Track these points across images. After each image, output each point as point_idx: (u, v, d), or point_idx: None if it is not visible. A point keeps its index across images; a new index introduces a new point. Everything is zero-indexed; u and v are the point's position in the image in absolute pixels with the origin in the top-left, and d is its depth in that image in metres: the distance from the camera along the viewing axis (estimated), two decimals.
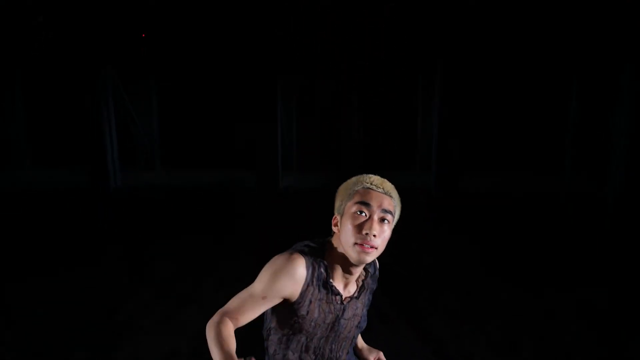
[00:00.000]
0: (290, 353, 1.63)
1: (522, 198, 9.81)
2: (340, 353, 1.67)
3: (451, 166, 10.35)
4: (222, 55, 10.95)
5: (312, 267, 1.52)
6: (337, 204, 1.56)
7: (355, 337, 1.72)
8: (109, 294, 5.02)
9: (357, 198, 1.49)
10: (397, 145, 13.42)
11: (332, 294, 1.54)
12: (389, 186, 1.55)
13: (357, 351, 1.88)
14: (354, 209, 1.48)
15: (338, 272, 1.54)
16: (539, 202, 9.44)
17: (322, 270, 1.52)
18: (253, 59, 10.18)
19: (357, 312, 1.63)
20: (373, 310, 1.84)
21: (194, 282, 5.30)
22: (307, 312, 1.53)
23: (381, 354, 1.86)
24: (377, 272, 1.75)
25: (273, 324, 1.66)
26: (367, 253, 1.44)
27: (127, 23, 10.43)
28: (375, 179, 1.55)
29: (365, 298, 1.65)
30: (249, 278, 5.31)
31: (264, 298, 1.52)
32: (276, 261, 1.52)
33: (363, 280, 1.62)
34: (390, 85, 12.80)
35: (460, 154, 10.41)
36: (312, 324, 1.55)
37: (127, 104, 12.06)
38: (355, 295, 1.59)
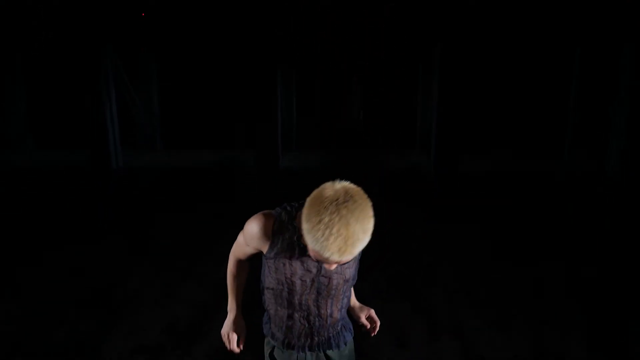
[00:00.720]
0: (279, 308, 1.72)
1: (521, 177, 9.85)
2: (330, 309, 1.70)
3: (451, 146, 10.37)
4: (221, 35, 10.91)
5: (279, 226, 1.59)
6: (303, 223, 1.42)
7: (345, 294, 1.75)
8: (110, 268, 5.12)
9: (315, 255, 1.43)
10: (397, 125, 13.44)
11: (302, 254, 1.59)
12: (349, 252, 1.37)
13: (349, 310, 1.94)
14: (314, 255, 1.46)
15: None
16: (537, 181, 9.48)
17: (291, 230, 1.58)
18: (253, 38, 10.15)
19: (340, 270, 1.64)
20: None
21: (194, 258, 5.39)
22: (279, 269, 1.63)
23: (372, 312, 1.91)
24: None
25: (264, 282, 1.75)
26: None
27: (127, 2, 10.40)
28: (337, 248, 1.35)
29: None
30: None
31: (245, 245, 1.74)
32: (252, 217, 1.67)
33: None
34: (391, 65, 12.77)
35: (460, 134, 10.42)
36: (289, 280, 1.63)
37: (128, 84, 12.07)
38: None
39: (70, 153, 11.96)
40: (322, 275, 1.63)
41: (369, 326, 1.91)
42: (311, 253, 1.45)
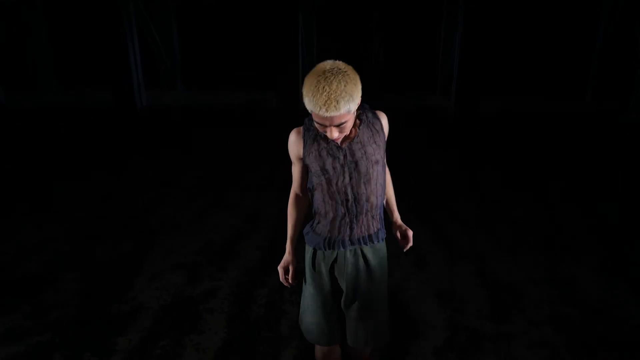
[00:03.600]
0: (323, 203, 1.93)
1: (543, 118, 9.84)
2: (365, 193, 1.88)
3: (472, 90, 10.33)
4: None
5: (305, 129, 1.88)
6: (303, 93, 1.72)
7: (377, 180, 1.90)
8: (143, 197, 5.42)
9: (314, 117, 1.72)
10: (418, 68, 13.32)
11: (326, 142, 1.84)
12: (334, 106, 1.63)
13: (391, 226, 2.12)
14: (315, 120, 1.74)
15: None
16: (560, 123, 9.47)
17: (313, 127, 1.86)
18: None
19: (365, 154, 1.85)
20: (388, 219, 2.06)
21: (221, 189, 5.65)
22: (313, 163, 1.88)
23: (409, 232, 2.08)
24: (374, 117, 1.91)
25: (309, 185, 1.96)
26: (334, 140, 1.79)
27: None
28: (323, 102, 1.62)
29: (367, 139, 1.86)
30: (270, 186, 5.70)
31: (293, 164, 1.99)
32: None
33: (358, 128, 1.86)
34: (413, 7, 12.53)
35: (482, 77, 10.34)
36: (323, 170, 1.87)
37: (150, 25, 12.08)
38: (357, 139, 1.84)
39: (94, 93, 12.18)
40: (350, 160, 1.84)
41: (401, 242, 2.09)
42: (315, 120, 1.73)
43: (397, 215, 2.16)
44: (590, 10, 11.39)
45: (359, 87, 1.70)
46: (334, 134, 1.73)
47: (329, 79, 1.63)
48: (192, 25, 13.30)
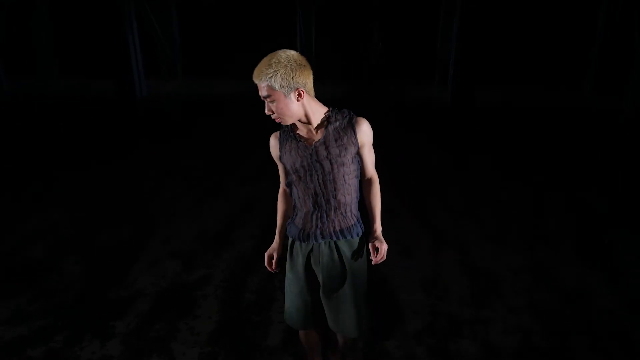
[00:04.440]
0: (297, 198, 2.10)
1: (539, 110, 9.94)
2: (333, 192, 2.02)
3: (469, 80, 10.40)
4: None
5: (282, 131, 2.07)
6: None
7: (346, 181, 2.02)
8: (142, 185, 5.59)
9: None
10: (417, 57, 13.36)
11: (298, 141, 2.01)
12: (257, 74, 1.84)
13: (369, 236, 2.16)
14: None
15: (300, 126, 2.01)
16: (556, 114, 9.57)
17: (289, 128, 2.04)
18: None
19: (329, 154, 1.98)
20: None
21: (219, 178, 5.81)
22: (288, 162, 2.05)
23: (384, 246, 2.05)
24: (348, 122, 2.00)
25: (287, 181, 2.14)
26: (280, 122, 1.97)
27: None
28: (255, 70, 1.84)
29: (332, 141, 1.97)
30: (265, 177, 5.84)
31: (276, 162, 2.17)
32: None
33: (325, 129, 1.99)
34: None
35: (479, 68, 10.42)
36: (294, 168, 2.03)
37: (149, 14, 12.13)
38: (322, 140, 1.98)
39: (95, 81, 12.28)
40: (315, 160, 1.99)
41: (372, 254, 2.06)
42: None
43: (377, 226, 2.13)
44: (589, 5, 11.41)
45: (297, 76, 1.83)
46: (266, 109, 1.92)
47: (272, 54, 1.83)
48: (192, 14, 13.35)
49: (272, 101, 1.87)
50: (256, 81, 1.85)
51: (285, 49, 1.88)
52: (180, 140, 7.72)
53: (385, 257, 2.07)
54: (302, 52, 1.96)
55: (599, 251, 4.05)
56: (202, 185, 5.57)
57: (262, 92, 1.86)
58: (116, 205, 5.03)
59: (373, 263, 2.08)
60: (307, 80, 1.88)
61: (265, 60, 1.83)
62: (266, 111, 1.93)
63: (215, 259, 3.91)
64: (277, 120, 1.95)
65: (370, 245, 2.07)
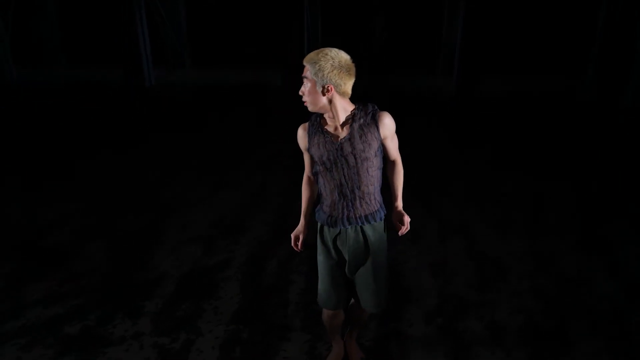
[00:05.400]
0: (323, 187, 2.29)
1: (541, 100, 10.07)
2: (358, 182, 2.20)
3: (473, 70, 10.52)
4: None
5: (310, 124, 2.24)
6: None
7: (369, 172, 2.20)
8: (155, 174, 5.78)
9: None
10: (421, 47, 13.45)
11: (325, 136, 2.19)
12: (307, 57, 2.09)
13: (392, 210, 2.40)
14: None
15: (328, 121, 2.21)
16: (558, 104, 9.71)
17: (317, 121, 2.23)
18: None
19: (354, 150, 2.15)
20: (388, 189, 2.37)
21: (231, 167, 6.00)
22: (315, 154, 2.22)
23: (406, 218, 2.36)
24: (371, 118, 2.18)
25: (314, 171, 2.31)
26: (305, 106, 2.17)
27: None
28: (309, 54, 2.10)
29: (357, 137, 2.15)
30: (276, 166, 6.02)
31: (303, 152, 2.35)
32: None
33: (350, 126, 2.17)
34: None
35: (484, 57, 10.53)
36: (322, 160, 2.20)
37: (157, 2, 12.21)
38: (347, 137, 2.15)
39: (103, 71, 12.40)
40: (340, 155, 2.17)
41: (397, 227, 2.39)
42: None
43: (399, 203, 2.41)
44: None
45: (333, 73, 2.05)
46: (301, 88, 2.14)
47: (327, 48, 2.09)
48: (199, 3, 13.42)
49: (306, 85, 2.11)
50: (304, 62, 2.09)
51: (339, 50, 2.10)
52: (190, 129, 7.88)
53: (409, 228, 2.37)
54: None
55: (597, 241, 4.24)
56: (214, 174, 5.75)
57: (304, 73, 2.10)
58: (133, 193, 5.23)
59: (400, 234, 2.38)
60: (342, 82, 2.07)
61: (319, 50, 2.08)
62: (300, 90, 2.15)
63: (233, 244, 4.10)
64: (304, 104, 2.17)
65: (394, 220, 2.37)
